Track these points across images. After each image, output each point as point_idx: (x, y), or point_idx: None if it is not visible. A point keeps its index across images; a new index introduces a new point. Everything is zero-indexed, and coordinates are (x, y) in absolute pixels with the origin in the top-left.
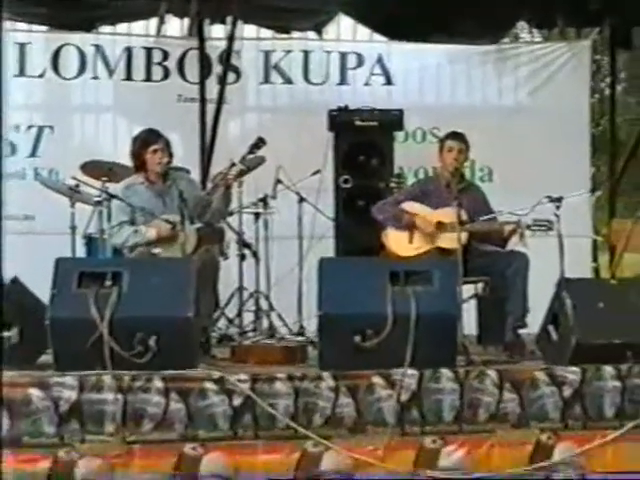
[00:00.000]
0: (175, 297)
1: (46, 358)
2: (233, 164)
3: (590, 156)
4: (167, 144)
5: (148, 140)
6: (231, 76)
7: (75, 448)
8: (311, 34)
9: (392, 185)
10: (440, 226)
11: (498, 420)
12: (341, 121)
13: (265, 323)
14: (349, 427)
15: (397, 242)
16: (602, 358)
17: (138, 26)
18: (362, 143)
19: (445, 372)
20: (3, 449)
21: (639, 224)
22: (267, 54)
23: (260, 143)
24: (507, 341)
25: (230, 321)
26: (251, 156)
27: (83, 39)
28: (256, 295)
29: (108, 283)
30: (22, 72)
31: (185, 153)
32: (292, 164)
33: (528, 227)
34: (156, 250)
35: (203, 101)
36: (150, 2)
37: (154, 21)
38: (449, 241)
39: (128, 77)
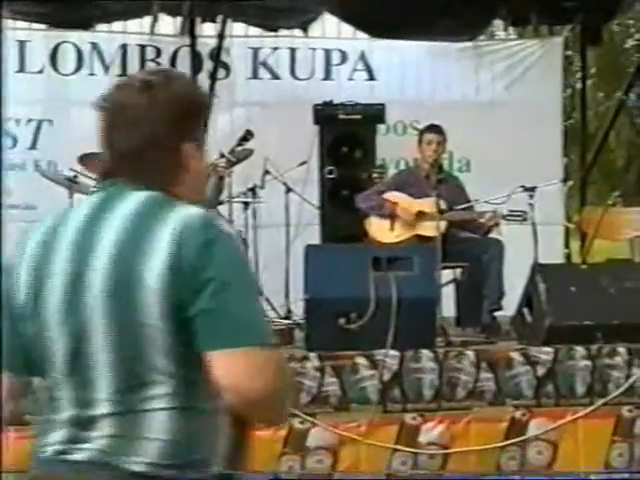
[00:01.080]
0: None
1: None
2: (222, 155)
3: (562, 147)
4: None
5: None
6: (221, 72)
7: None
8: (297, 32)
9: (374, 176)
10: (420, 215)
11: (475, 398)
12: (326, 115)
13: None
14: (334, 405)
15: (379, 230)
16: (574, 339)
17: (133, 24)
18: (346, 136)
19: (425, 352)
20: None
21: (609, 212)
22: (255, 51)
23: (248, 136)
24: (484, 323)
25: None
26: (240, 148)
27: (80, 37)
28: None
29: None
30: (22, 68)
31: None
32: (279, 156)
33: (504, 217)
34: None
35: None
36: (144, 1)
37: (148, 20)
38: (429, 229)
39: (123, 73)
